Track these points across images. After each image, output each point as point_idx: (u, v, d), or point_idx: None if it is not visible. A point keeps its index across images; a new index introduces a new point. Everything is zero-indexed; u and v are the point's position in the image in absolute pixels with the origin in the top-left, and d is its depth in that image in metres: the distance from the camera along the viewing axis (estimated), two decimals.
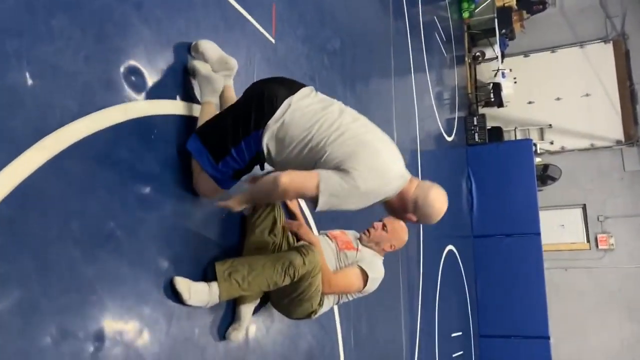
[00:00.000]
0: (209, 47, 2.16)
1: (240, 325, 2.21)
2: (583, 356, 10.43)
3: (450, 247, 7.40)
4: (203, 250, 2.12)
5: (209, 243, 2.16)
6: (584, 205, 11.33)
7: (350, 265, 2.49)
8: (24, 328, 1.37)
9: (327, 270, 2.32)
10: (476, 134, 10.14)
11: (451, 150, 8.79)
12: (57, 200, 1.50)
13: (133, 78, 1.84)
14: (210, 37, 2.22)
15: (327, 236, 2.63)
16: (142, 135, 1.86)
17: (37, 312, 1.41)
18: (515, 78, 11.75)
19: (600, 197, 11.17)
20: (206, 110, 2.10)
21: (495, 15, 11.00)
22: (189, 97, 2.14)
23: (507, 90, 11.15)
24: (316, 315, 2.40)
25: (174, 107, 2.05)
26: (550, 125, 11.87)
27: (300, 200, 2.84)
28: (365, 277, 2.45)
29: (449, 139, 8.44)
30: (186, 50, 2.16)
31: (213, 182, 2.00)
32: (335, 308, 3.28)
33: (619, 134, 11.32)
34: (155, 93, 1.95)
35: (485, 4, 11.11)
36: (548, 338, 8.74)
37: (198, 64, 2.12)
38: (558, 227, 11.45)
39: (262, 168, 2.03)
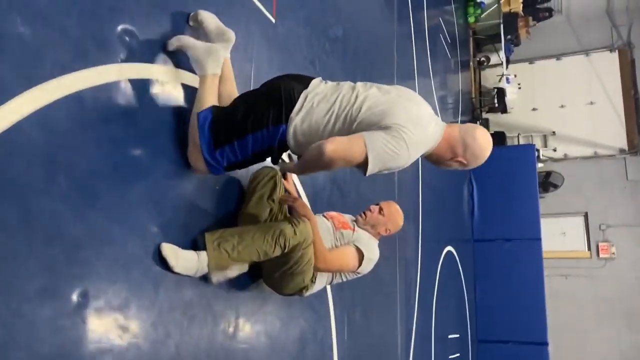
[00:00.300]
0: (207, 17, 2.15)
1: (225, 274, 2.20)
2: None
3: (449, 248, 7.35)
4: (194, 219, 2.09)
5: (201, 212, 2.13)
6: (586, 213, 11.28)
7: (346, 244, 2.47)
8: (2, 280, 1.35)
9: (322, 247, 2.30)
10: None
11: None
12: (44, 152, 1.48)
13: (127, 39, 1.82)
14: (210, 10, 2.21)
15: (324, 216, 2.61)
16: (137, 97, 1.84)
17: (18, 263, 1.39)
18: (519, 84, 11.73)
19: (603, 206, 11.12)
20: (210, 83, 2.04)
21: (501, 20, 11.00)
22: (184, 64, 2.12)
23: (511, 96, 11.14)
24: (307, 293, 2.38)
25: (170, 73, 2.03)
26: (553, 132, 11.84)
27: (296, 181, 2.82)
28: (360, 256, 2.42)
29: None
30: (184, 20, 2.14)
31: (203, 162, 1.97)
32: (330, 294, 3.25)
33: (623, 143, 11.28)
34: (150, 57, 1.93)
35: (491, 10, 11.12)
36: (546, 344, 8.67)
37: (189, 40, 2.04)
38: (559, 235, 11.41)
39: (274, 162, 2.03)
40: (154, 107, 1.92)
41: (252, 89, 2.15)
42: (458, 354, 7.56)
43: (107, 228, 1.66)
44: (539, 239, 9.08)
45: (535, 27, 12.11)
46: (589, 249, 11.12)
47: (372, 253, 2.51)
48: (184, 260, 1.93)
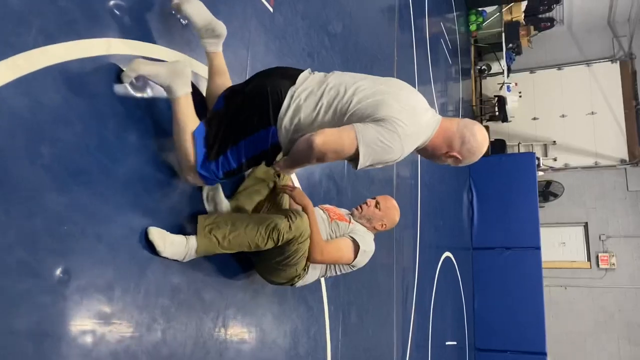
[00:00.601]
0: (194, 9, 1.98)
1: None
2: None
3: (447, 254, 7.28)
4: (185, 202, 2.04)
5: (192, 194, 2.08)
6: (586, 223, 11.21)
7: (342, 236, 2.41)
8: None
9: (319, 238, 2.23)
10: None
11: None
12: (27, 121, 1.44)
13: (118, 13, 1.78)
14: None
15: (320, 208, 2.56)
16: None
17: None
18: (520, 92, 11.71)
19: (603, 216, 11.06)
20: (185, 104, 1.85)
21: (503, 29, 11.01)
22: (177, 44, 2.08)
23: (511, 104, 11.11)
24: (299, 283, 2.32)
25: (162, 53, 1.99)
26: (554, 142, 11.80)
27: (292, 175, 2.77)
28: (356, 249, 2.36)
29: None
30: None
31: (198, 177, 1.90)
32: (324, 290, 3.19)
33: (624, 154, 11.24)
34: (141, 34, 1.89)
35: (493, 18, 11.13)
36: (545, 354, 8.56)
37: (149, 67, 1.80)
38: (559, 245, 11.34)
39: (268, 164, 1.96)
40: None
41: (241, 82, 2.02)
42: None
43: (91, 204, 1.61)
44: (539, 248, 9.00)
45: (536, 37, 12.12)
46: (589, 259, 11.04)
47: (368, 246, 2.45)
48: (173, 245, 1.88)
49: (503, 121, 11.57)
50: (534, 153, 10.37)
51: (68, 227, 1.52)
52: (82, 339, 1.55)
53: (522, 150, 11.77)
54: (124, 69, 1.76)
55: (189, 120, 1.85)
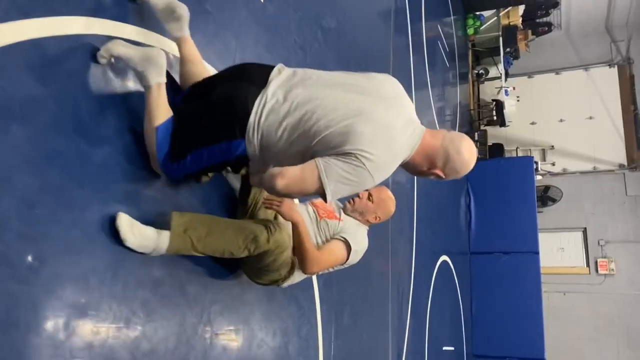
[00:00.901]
0: None
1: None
2: None
3: (444, 257, 7.20)
4: (165, 194, 1.95)
5: (173, 187, 2.00)
6: (585, 228, 11.15)
7: (332, 239, 2.31)
8: None
9: (311, 248, 2.14)
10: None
11: None
12: None
13: None
14: None
15: (308, 204, 2.47)
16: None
17: None
18: (518, 96, 11.68)
19: (602, 221, 11.00)
20: (157, 94, 1.74)
21: (501, 33, 10.98)
22: (157, 28, 2.01)
23: (509, 108, 11.07)
24: (285, 284, 2.24)
25: (141, 34, 1.91)
26: (552, 146, 11.76)
27: None
28: (348, 249, 2.28)
29: None
30: None
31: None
32: (316, 289, 3.10)
33: (622, 158, 11.20)
34: (120, 15, 1.82)
35: (490, 22, 11.11)
36: None
37: (123, 49, 1.71)
38: (558, 250, 11.27)
39: (235, 172, 1.88)
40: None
41: (209, 77, 1.89)
42: None
43: (66, 188, 1.53)
44: (537, 252, 8.92)
45: (534, 42, 12.11)
46: (588, 265, 10.97)
47: (359, 244, 2.36)
48: (142, 237, 1.74)
49: (501, 126, 11.53)
50: (532, 157, 10.32)
51: (40, 210, 1.44)
52: (54, 330, 1.46)
53: (520, 154, 11.74)
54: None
55: (157, 112, 1.74)
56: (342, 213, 2.48)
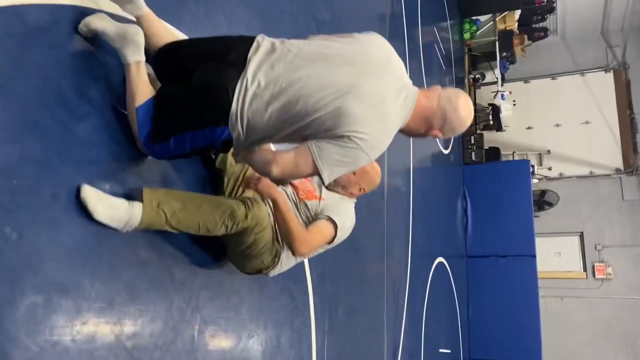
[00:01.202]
0: None
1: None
2: None
3: (440, 259, 7.15)
4: (144, 168, 1.88)
5: (159, 168, 1.95)
6: (582, 233, 11.10)
7: (316, 219, 2.24)
8: None
9: (298, 229, 2.07)
10: (473, 153, 10.00)
11: (447, 168, 8.63)
12: None
13: None
14: None
15: (288, 187, 2.38)
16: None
17: None
18: (514, 101, 11.68)
19: (598, 226, 10.96)
20: (136, 72, 1.68)
21: (497, 38, 10.99)
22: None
23: (506, 113, 11.05)
24: (272, 274, 2.19)
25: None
26: (548, 151, 11.75)
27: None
28: (335, 226, 2.21)
29: (445, 151, 8.29)
30: None
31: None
32: (309, 280, 3.05)
33: (618, 163, 11.18)
34: None
35: (487, 27, 11.12)
36: None
37: (100, 23, 1.65)
38: (555, 255, 11.22)
39: (215, 156, 1.89)
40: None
41: (176, 42, 1.82)
42: None
43: (47, 161, 1.49)
44: (534, 256, 8.87)
45: (530, 47, 12.11)
46: (585, 269, 10.91)
47: (345, 220, 2.26)
48: (111, 208, 1.63)
49: (497, 130, 11.50)
50: (529, 160, 10.30)
51: (18, 181, 1.40)
52: (31, 308, 1.40)
53: (516, 159, 11.70)
54: None
55: (137, 92, 1.68)
56: (324, 189, 2.38)
